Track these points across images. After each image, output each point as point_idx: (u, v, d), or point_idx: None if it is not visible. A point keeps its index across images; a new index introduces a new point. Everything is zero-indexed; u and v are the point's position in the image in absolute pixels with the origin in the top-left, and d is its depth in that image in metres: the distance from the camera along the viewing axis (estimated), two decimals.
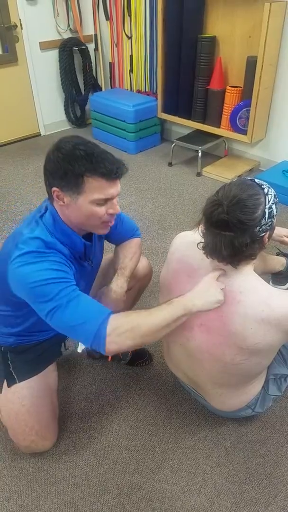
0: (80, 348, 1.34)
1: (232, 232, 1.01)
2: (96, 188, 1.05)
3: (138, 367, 1.70)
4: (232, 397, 1.33)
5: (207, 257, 1.11)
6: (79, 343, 1.33)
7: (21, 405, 1.29)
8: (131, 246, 1.45)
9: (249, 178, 1.11)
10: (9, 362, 1.34)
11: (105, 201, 1.09)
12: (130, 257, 1.42)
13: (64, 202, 1.09)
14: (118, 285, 1.35)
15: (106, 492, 1.31)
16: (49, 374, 1.38)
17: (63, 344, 1.52)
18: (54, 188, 1.08)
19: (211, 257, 1.10)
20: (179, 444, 1.43)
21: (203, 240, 1.10)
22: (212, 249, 1.07)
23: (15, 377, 1.32)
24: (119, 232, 1.43)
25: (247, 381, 1.29)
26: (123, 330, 1.03)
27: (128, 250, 1.44)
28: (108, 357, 1.66)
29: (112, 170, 1.04)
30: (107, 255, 1.59)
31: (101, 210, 1.09)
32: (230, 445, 1.43)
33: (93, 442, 1.45)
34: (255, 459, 1.38)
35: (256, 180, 1.08)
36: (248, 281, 1.11)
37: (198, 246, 1.13)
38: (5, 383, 1.32)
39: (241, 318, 1.08)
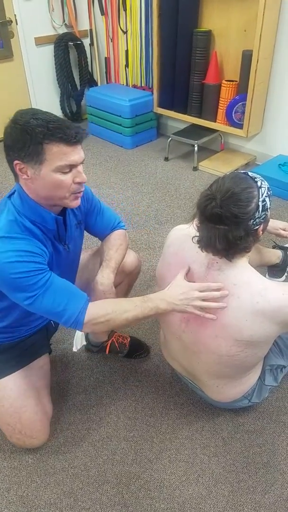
0: (76, 347, 1.35)
1: (226, 225, 1.01)
2: (57, 155, 1.02)
3: (135, 359, 1.71)
4: (229, 388, 1.34)
5: (202, 250, 1.11)
6: (74, 343, 1.34)
7: (1, 405, 1.28)
8: (115, 238, 1.43)
9: (242, 171, 1.11)
10: None
11: (69, 168, 1.06)
12: (115, 249, 1.40)
13: (28, 176, 1.06)
14: (104, 276, 1.33)
15: (105, 482, 1.32)
16: (34, 371, 1.36)
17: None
18: (15, 162, 1.05)
19: (206, 251, 1.11)
20: (176, 434, 1.45)
21: (197, 234, 1.11)
22: (206, 242, 1.08)
23: None
24: (99, 224, 1.41)
25: (244, 372, 1.30)
26: (98, 321, 1.13)
27: (112, 242, 1.42)
28: (105, 350, 1.68)
29: (71, 135, 1.02)
30: (89, 251, 1.59)
31: (67, 178, 1.07)
32: (227, 435, 1.44)
33: (91, 433, 1.46)
34: (252, 449, 1.40)
35: (250, 173, 1.09)
36: (243, 273, 1.12)
37: (193, 239, 1.14)
38: None
39: (236, 310, 1.09)
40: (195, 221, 1.12)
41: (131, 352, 1.71)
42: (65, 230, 1.24)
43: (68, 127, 1.03)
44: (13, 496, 1.30)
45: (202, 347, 1.21)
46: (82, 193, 1.14)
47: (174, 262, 1.24)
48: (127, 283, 1.62)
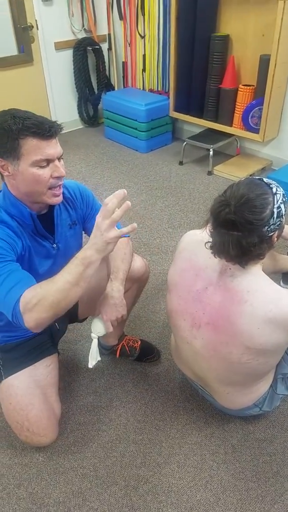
0: (91, 364, 1.35)
1: (240, 232, 1.01)
2: (32, 149, 1.05)
3: (146, 363, 1.72)
4: (240, 395, 1.33)
5: (214, 256, 1.11)
6: (89, 359, 1.34)
7: (9, 403, 1.30)
8: (119, 248, 1.40)
9: (257, 177, 1.11)
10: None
11: (46, 162, 1.08)
12: (121, 259, 1.38)
13: (9, 172, 1.09)
14: (114, 289, 1.31)
15: (113, 484, 1.33)
16: (40, 370, 1.37)
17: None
18: None
19: (219, 257, 1.10)
20: (186, 439, 1.45)
21: (210, 240, 1.10)
22: (219, 248, 1.07)
23: (2, 374, 1.33)
24: None
25: (255, 380, 1.29)
26: (32, 305, 0.99)
27: (116, 252, 1.38)
28: (116, 352, 1.69)
29: (44, 129, 1.04)
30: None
31: (45, 173, 1.08)
32: (237, 442, 1.43)
33: (101, 434, 1.47)
34: (262, 457, 1.39)
35: (265, 179, 1.08)
36: (256, 281, 1.11)
37: (206, 245, 1.13)
38: None
39: (248, 317, 1.08)
40: (208, 227, 1.12)
41: (141, 356, 1.71)
42: (52, 228, 1.25)
43: (42, 122, 1.05)
44: (23, 492, 1.32)
45: (213, 353, 1.21)
46: (61, 189, 1.15)
47: (187, 268, 1.24)
48: (136, 288, 1.61)
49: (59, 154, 1.11)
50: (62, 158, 1.14)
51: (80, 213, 1.35)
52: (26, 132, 1.03)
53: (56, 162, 1.10)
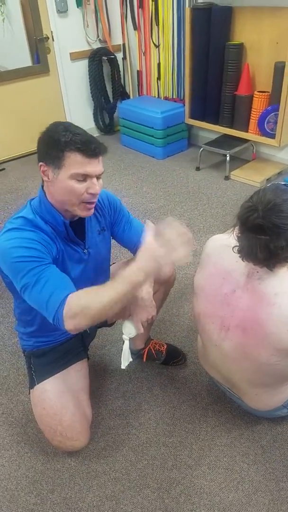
0: (124, 365, 1.37)
1: (268, 235, 1.03)
2: (74, 163, 1.10)
3: (172, 367, 1.74)
4: (268, 396, 1.35)
5: (242, 260, 1.13)
6: (122, 360, 1.36)
7: (42, 408, 1.31)
8: None
9: (283, 183, 1.13)
10: (31, 366, 1.40)
11: (84, 178, 1.12)
12: None
13: (48, 178, 1.15)
14: (143, 291, 1.32)
15: (146, 487, 1.35)
16: (71, 375, 1.39)
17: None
18: (40, 163, 1.15)
19: (247, 260, 1.13)
20: (215, 441, 1.46)
21: (237, 244, 1.13)
22: (247, 252, 1.10)
23: (35, 380, 1.36)
24: (127, 234, 1.45)
25: (283, 381, 1.30)
26: (74, 313, 1.04)
27: None
28: (143, 357, 1.72)
29: (90, 148, 1.10)
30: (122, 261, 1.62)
31: (80, 187, 1.12)
32: (266, 443, 1.44)
33: (131, 438, 1.49)
34: None
35: None
36: (283, 283, 1.13)
37: (234, 249, 1.15)
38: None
39: (277, 319, 1.10)
40: (235, 231, 1.15)
41: (168, 359, 1.74)
42: (83, 234, 1.30)
43: (90, 141, 1.11)
44: (57, 497, 1.34)
45: (242, 355, 1.23)
46: (94, 204, 1.20)
47: (213, 272, 1.26)
48: (163, 291, 1.65)
49: (99, 173, 1.15)
50: (100, 177, 1.18)
51: (108, 219, 1.40)
52: (72, 146, 1.09)
53: (94, 179, 1.14)
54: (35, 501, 1.34)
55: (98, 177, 1.16)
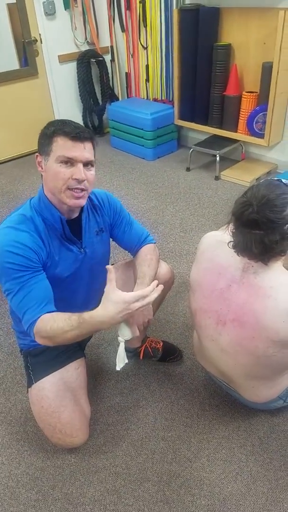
0: (119, 367, 1.37)
1: (262, 230, 1.06)
2: (60, 147, 1.14)
3: (169, 363, 1.76)
4: (265, 388, 1.37)
5: (238, 255, 1.16)
6: (117, 362, 1.37)
7: (40, 406, 1.32)
8: (146, 253, 1.45)
9: (276, 178, 1.16)
10: (28, 365, 1.41)
11: (69, 162, 1.15)
12: (147, 264, 1.41)
13: (42, 168, 1.20)
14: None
15: (146, 480, 1.37)
16: (69, 373, 1.40)
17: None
18: (36, 155, 1.21)
19: (242, 255, 1.15)
20: (213, 434, 1.49)
21: (232, 240, 1.15)
22: (242, 247, 1.12)
23: (32, 378, 1.37)
24: (127, 236, 1.46)
25: (279, 373, 1.33)
26: (42, 336, 1.14)
27: (143, 258, 1.44)
28: (140, 354, 1.73)
29: (75, 131, 1.14)
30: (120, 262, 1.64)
31: (65, 171, 1.15)
32: (263, 434, 1.48)
33: (130, 433, 1.51)
34: None
35: (283, 180, 1.14)
36: (278, 276, 1.16)
37: (229, 245, 1.18)
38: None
39: (273, 312, 1.13)
40: (230, 227, 1.18)
41: (164, 356, 1.76)
42: (80, 234, 1.31)
43: (76, 127, 1.16)
44: (58, 493, 1.36)
45: (239, 349, 1.25)
46: (82, 194, 1.20)
47: (209, 267, 1.29)
48: (161, 294, 1.66)
49: (85, 159, 1.17)
50: (92, 167, 1.20)
51: (108, 220, 1.41)
52: (59, 131, 1.14)
53: (79, 165, 1.16)
54: (37, 498, 1.35)
55: (85, 165, 1.18)
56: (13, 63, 3.68)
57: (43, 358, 1.40)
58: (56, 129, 1.15)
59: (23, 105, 3.72)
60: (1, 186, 3.37)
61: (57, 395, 1.33)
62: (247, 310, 1.18)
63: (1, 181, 3.46)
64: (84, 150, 1.16)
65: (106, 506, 1.31)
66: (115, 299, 1.06)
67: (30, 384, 1.38)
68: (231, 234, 1.17)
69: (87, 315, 1.09)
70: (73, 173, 1.15)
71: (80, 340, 1.29)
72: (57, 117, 3.97)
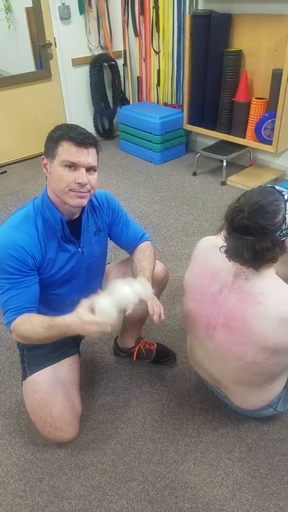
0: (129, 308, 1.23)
1: (253, 236, 1.06)
2: (65, 151, 1.18)
3: (162, 366, 1.77)
4: (254, 395, 1.37)
5: (229, 260, 1.16)
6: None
7: (33, 399, 1.35)
8: (144, 250, 1.50)
9: (270, 185, 1.17)
10: (24, 358, 1.44)
11: (73, 166, 1.19)
12: (146, 260, 1.45)
13: (47, 170, 1.24)
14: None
15: (132, 479, 1.38)
16: (63, 369, 1.42)
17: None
18: (42, 157, 1.25)
19: (233, 260, 1.16)
20: (201, 438, 1.49)
21: (225, 244, 1.16)
22: (234, 253, 1.13)
23: (27, 371, 1.40)
24: (124, 235, 1.50)
25: (269, 380, 1.33)
26: (17, 334, 1.21)
27: (141, 254, 1.48)
28: (133, 355, 1.75)
29: (80, 137, 1.18)
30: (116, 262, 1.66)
31: (68, 175, 1.19)
32: (252, 442, 1.47)
33: (119, 432, 1.52)
34: (276, 456, 1.42)
35: (277, 187, 1.14)
36: (269, 283, 1.16)
37: (221, 250, 1.18)
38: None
39: (263, 318, 1.13)
40: (223, 232, 1.18)
41: (158, 358, 1.77)
42: (79, 234, 1.34)
43: (82, 133, 1.20)
44: (45, 486, 1.38)
45: (228, 354, 1.26)
46: (84, 194, 1.23)
47: (202, 271, 1.29)
48: (156, 292, 1.66)
49: (88, 164, 1.20)
50: (94, 172, 1.24)
51: (106, 219, 1.44)
52: (65, 136, 1.18)
53: (82, 170, 1.20)
54: (24, 488, 1.37)
55: (88, 170, 1.21)
56: (30, 66, 3.76)
57: (38, 352, 1.42)
58: (63, 133, 1.18)
59: (35, 107, 3.78)
60: (11, 186, 3.43)
61: (50, 389, 1.36)
62: (237, 316, 1.19)
63: (12, 180, 3.52)
64: (87, 156, 1.20)
65: (91, 501, 1.33)
66: (80, 312, 1.10)
67: (24, 377, 1.41)
68: (223, 239, 1.18)
69: (59, 319, 1.14)
70: (76, 177, 1.19)
71: (74, 337, 1.34)
72: (68, 120, 4.03)
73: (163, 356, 1.78)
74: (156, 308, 1.28)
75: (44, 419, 1.34)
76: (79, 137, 1.18)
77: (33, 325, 1.17)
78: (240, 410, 1.48)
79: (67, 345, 1.49)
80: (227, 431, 1.51)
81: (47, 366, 1.40)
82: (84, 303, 1.12)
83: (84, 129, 1.22)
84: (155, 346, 1.78)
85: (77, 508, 1.32)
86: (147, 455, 1.45)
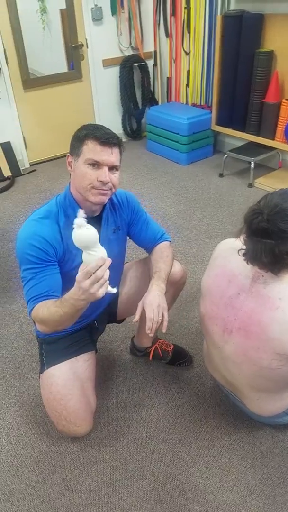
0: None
1: (273, 240, 1.04)
2: (89, 150, 1.21)
3: (178, 367, 1.77)
4: (269, 402, 1.35)
5: (247, 263, 1.15)
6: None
7: (49, 392, 1.37)
8: (162, 250, 1.50)
9: None
10: (42, 351, 1.47)
11: (96, 165, 1.21)
12: (163, 260, 1.46)
13: (71, 168, 1.27)
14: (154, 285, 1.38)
15: (142, 478, 1.39)
16: (79, 364, 1.44)
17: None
18: (67, 155, 1.28)
19: (252, 264, 1.14)
20: (214, 442, 1.48)
21: (244, 247, 1.14)
22: (252, 256, 1.11)
23: (45, 365, 1.43)
24: (143, 234, 1.51)
25: (285, 387, 1.30)
26: (37, 321, 1.23)
27: (159, 254, 1.49)
28: (149, 355, 1.76)
29: (105, 136, 1.21)
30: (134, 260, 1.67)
31: (91, 173, 1.22)
32: (265, 449, 1.45)
33: (132, 431, 1.54)
34: None
35: None
36: None
37: (239, 253, 1.17)
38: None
39: (280, 324, 1.11)
40: (243, 235, 1.17)
41: (174, 360, 1.77)
42: (99, 231, 1.32)
43: (106, 132, 1.23)
44: (58, 478, 1.41)
45: (243, 358, 1.24)
46: (106, 192, 1.26)
47: (220, 274, 1.28)
48: (172, 293, 1.67)
49: (111, 163, 1.23)
50: (116, 171, 1.26)
51: (126, 218, 1.46)
52: (90, 135, 1.22)
53: (105, 169, 1.22)
54: (37, 479, 1.41)
55: (111, 169, 1.24)
56: (62, 66, 3.84)
57: (56, 347, 1.46)
58: (88, 133, 1.22)
59: (66, 107, 3.86)
60: (40, 184, 3.52)
61: (66, 383, 1.38)
62: (254, 320, 1.17)
63: (41, 179, 3.61)
64: (111, 155, 1.23)
65: (101, 497, 1.35)
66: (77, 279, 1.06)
67: (42, 370, 1.44)
68: (243, 241, 1.16)
69: (66, 296, 1.12)
70: (99, 175, 1.22)
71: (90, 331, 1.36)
72: (97, 120, 4.08)
73: (179, 358, 1.78)
74: (154, 317, 1.33)
75: (59, 412, 1.37)
76: (104, 137, 1.20)
77: (48, 306, 1.19)
78: (255, 416, 1.46)
79: (83, 341, 1.51)
80: (241, 436, 1.49)
81: (64, 361, 1.42)
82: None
83: (109, 129, 1.25)
84: (172, 347, 1.78)
85: (87, 502, 1.34)
86: (159, 455, 1.45)
